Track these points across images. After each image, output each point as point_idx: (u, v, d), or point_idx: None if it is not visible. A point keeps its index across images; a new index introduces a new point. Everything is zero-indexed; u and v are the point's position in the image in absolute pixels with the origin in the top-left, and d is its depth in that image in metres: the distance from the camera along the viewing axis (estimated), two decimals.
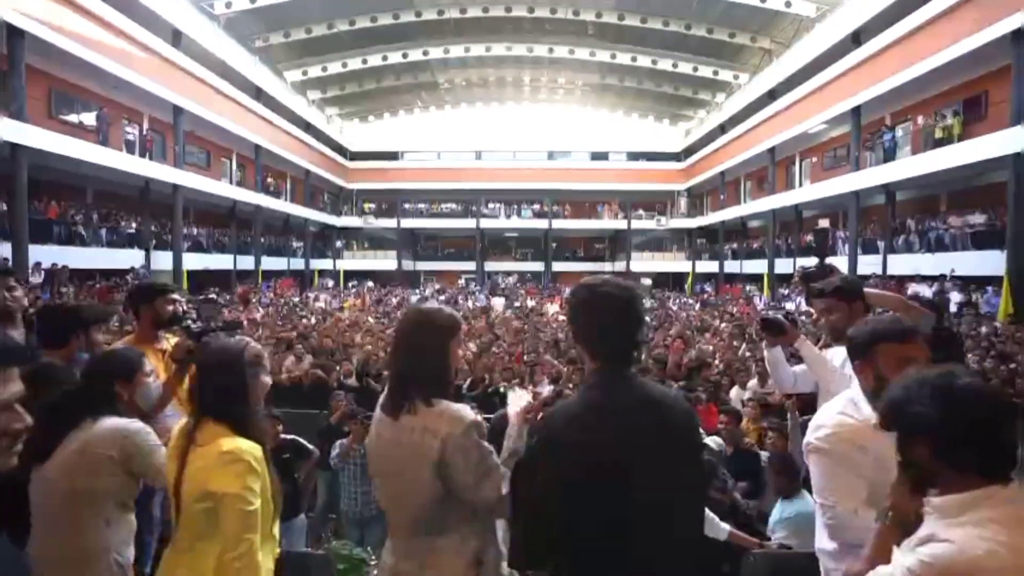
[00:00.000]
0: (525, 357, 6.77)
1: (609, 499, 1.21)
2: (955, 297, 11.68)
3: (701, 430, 1.40)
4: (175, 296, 2.58)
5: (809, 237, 19.66)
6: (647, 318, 1.37)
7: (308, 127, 26.47)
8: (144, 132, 16.31)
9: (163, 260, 16.12)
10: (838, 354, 2.13)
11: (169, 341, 2.65)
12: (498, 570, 1.43)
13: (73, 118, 14.25)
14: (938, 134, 13.25)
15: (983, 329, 9.72)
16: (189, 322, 2.50)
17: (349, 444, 3.88)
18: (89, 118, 14.45)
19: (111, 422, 1.61)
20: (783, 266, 20.52)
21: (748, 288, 21.86)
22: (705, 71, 25.16)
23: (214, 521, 1.41)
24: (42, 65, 12.51)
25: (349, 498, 3.85)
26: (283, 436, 4.02)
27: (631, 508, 1.21)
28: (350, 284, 26.58)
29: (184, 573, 1.44)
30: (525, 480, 1.32)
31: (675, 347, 6.49)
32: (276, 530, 1.59)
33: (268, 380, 1.62)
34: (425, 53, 25.32)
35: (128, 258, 15.16)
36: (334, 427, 4.34)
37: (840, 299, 2.03)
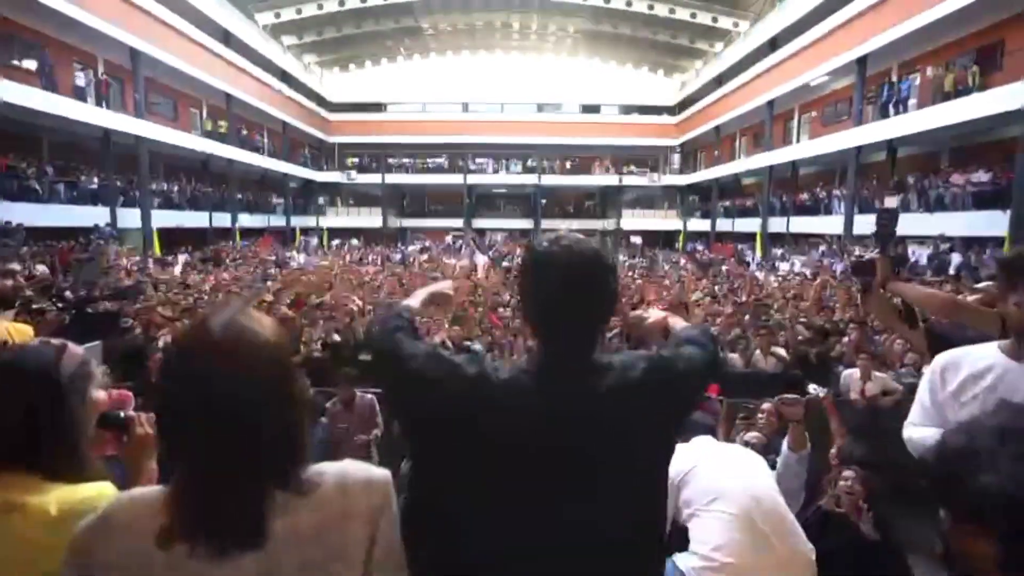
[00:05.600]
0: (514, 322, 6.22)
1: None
2: (954, 259, 11.34)
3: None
4: (12, 267, 2.06)
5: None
6: (614, 289, 1.01)
7: (284, 75, 24.96)
8: (99, 77, 15.05)
9: (130, 218, 15.24)
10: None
11: (7, 327, 2.13)
12: None
13: (15, 61, 13.02)
14: (948, 86, 12.56)
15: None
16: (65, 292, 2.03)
17: None
18: (32, 62, 13.21)
19: None
20: (777, 225, 20.10)
21: (741, 247, 21.47)
22: (704, 18, 23.83)
23: None
24: None
25: None
26: None
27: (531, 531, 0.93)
28: (333, 242, 25.81)
29: None
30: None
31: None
32: None
33: (101, 396, 1.10)
34: None
35: (91, 216, 14.24)
36: None
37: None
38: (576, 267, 0.96)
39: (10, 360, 1.03)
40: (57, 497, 0.91)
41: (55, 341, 1.10)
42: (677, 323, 1.25)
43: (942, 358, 1.47)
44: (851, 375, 4.51)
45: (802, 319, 5.54)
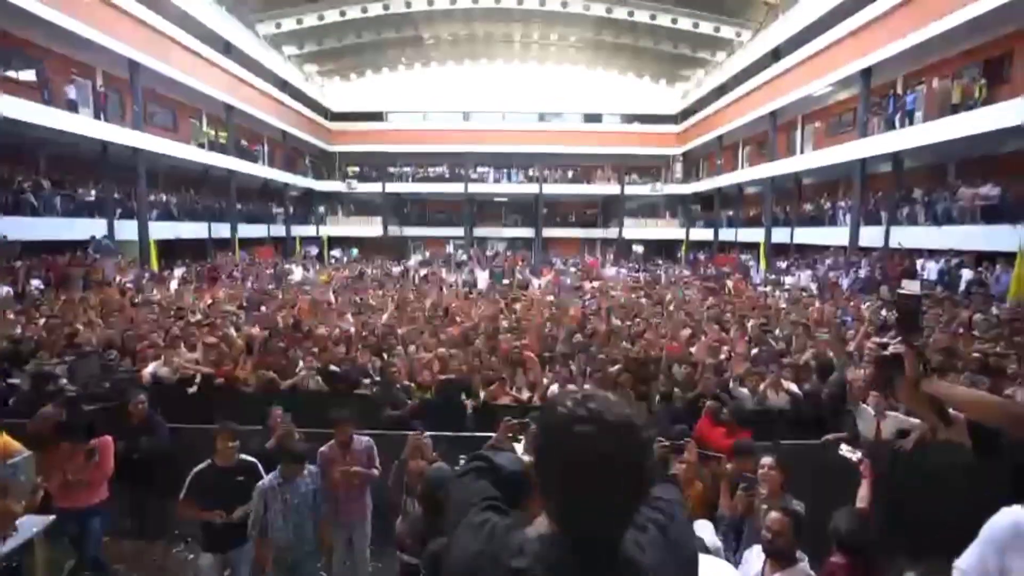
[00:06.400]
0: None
1: None
2: (965, 275, 11.12)
3: None
4: None
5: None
6: (651, 467, 0.84)
7: (285, 85, 24.91)
8: (97, 89, 14.95)
9: (128, 230, 15.10)
10: None
11: None
12: None
13: (11, 73, 12.92)
14: (955, 98, 12.39)
15: (994, 310, 9.20)
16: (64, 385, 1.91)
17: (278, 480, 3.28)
18: (29, 74, 13.10)
19: None
20: (780, 235, 19.91)
21: (744, 257, 21.26)
22: (706, 27, 23.75)
23: None
24: None
25: (275, 539, 3.25)
26: (241, 456, 3.53)
27: None
28: (333, 252, 25.69)
29: None
30: None
31: (671, 348, 5.71)
32: None
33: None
34: (408, 5, 23.63)
35: (89, 228, 14.10)
36: (274, 453, 3.68)
37: None
38: (606, 447, 0.78)
39: None
40: None
41: None
42: None
43: (1019, 522, 1.25)
44: (865, 412, 4.29)
45: (811, 347, 5.33)
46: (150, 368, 5.48)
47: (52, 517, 3.34)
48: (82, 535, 3.41)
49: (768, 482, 2.76)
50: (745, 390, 4.67)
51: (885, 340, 1.60)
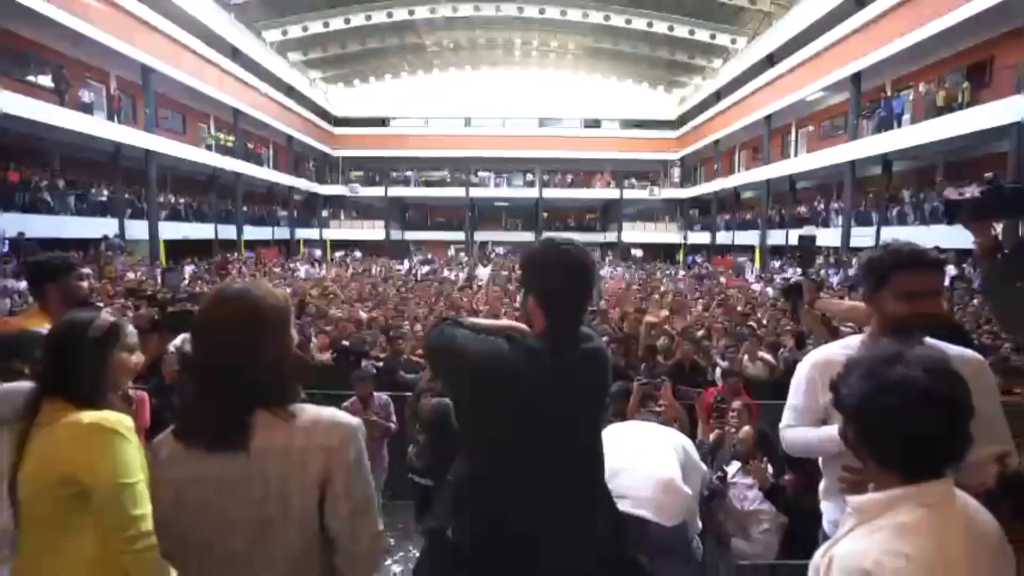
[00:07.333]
0: None
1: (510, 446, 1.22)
2: (950, 271, 11.49)
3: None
4: (86, 271, 2.29)
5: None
6: (594, 283, 1.35)
7: (290, 91, 25.46)
8: (111, 93, 15.45)
9: (138, 229, 15.53)
10: None
11: None
12: None
13: (30, 77, 13.42)
14: (940, 102, 12.82)
15: (975, 301, 9.58)
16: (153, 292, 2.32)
17: None
18: (46, 78, 13.59)
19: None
20: (776, 237, 20.29)
21: (741, 260, 21.65)
22: (702, 35, 24.28)
23: (81, 510, 1.20)
24: None
25: None
26: None
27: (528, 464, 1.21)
28: (336, 254, 26.10)
29: None
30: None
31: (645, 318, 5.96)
32: None
33: (132, 358, 1.42)
34: (411, 13, 24.19)
35: (100, 227, 14.52)
36: None
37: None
38: (578, 261, 1.27)
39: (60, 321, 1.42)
40: (87, 415, 1.24)
41: (94, 312, 1.45)
42: None
43: (811, 360, 1.51)
44: None
45: (788, 327, 5.70)
46: (176, 341, 5.84)
47: None
48: None
49: (737, 419, 3.15)
50: (725, 364, 5.03)
51: (789, 274, 2.15)
